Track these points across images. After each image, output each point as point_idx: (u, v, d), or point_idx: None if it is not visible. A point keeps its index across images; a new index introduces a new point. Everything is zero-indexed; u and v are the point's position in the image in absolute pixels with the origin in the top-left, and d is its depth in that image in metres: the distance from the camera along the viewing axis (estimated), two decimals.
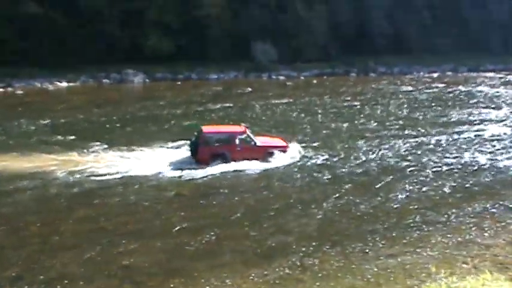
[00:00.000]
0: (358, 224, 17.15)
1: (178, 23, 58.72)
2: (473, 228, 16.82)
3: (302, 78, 57.02)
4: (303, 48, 61.54)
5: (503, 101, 42.77)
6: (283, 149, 24.74)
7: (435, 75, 62.31)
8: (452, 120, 34.95)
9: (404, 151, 26.69)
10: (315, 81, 54.65)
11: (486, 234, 16.31)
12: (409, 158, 25.56)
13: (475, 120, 34.65)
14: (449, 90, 49.56)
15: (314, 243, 15.57)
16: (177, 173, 22.49)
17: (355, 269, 13.90)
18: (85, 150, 25.35)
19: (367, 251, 15.05)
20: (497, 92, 48.45)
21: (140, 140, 27.20)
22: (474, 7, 73.82)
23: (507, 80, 58.18)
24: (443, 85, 53.15)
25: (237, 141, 23.92)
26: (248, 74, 56.98)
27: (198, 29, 58.74)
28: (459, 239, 15.86)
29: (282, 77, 56.65)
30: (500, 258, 14.24)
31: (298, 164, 24.27)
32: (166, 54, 56.14)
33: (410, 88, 50.86)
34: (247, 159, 23.49)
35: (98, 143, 26.48)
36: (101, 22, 55.51)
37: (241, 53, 57.80)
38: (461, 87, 51.25)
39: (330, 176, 22.66)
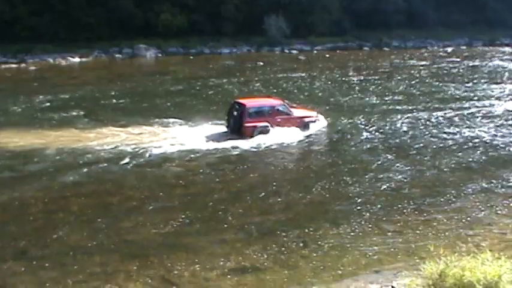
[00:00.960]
0: (358, 203, 16.75)
1: None
2: (475, 207, 16.28)
3: (315, 52, 56.52)
4: (316, 23, 60.96)
5: None
6: (315, 120, 25.19)
7: (449, 49, 61.46)
8: (461, 95, 34.14)
9: (408, 126, 25.98)
10: (327, 55, 54.11)
11: (488, 212, 15.81)
12: (413, 133, 24.97)
13: (486, 96, 33.92)
14: (463, 64, 48.75)
15: (315, 221, 15.29)
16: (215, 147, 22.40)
17: (356, 247, 13.61)
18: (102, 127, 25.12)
19: (369, 229, 14.78)
20: (509, 65, 47.61)
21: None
22: None
23: None
24: (457, 59, 52.43)
25: (277, 113, 24.14)
26: (260, 48, 56.56)
27: (211, 4, 58.33)
28: (460, 218, 15.40)
29: (294, 51, 56.15)
30: (502, 237, 13.97)
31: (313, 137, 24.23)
32: (179, 29, 55.98)
33: (423, 62, 50.12)
34: (286, 129, 23.84)
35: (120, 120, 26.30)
36: None
37: (254, 28, 57.33)
38: (475, 62, 50.50)
39: (333, 154, 22.41)
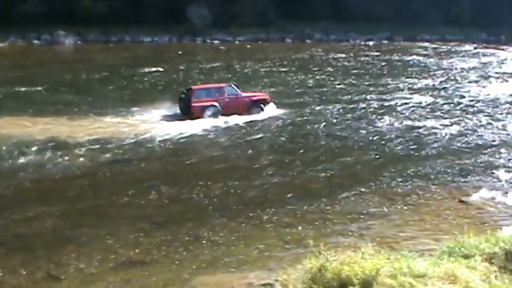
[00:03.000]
0: (256, 197, 16.63)
1: None
2: (360, 201, 16.50)
3: (236, 42, 56.45)
4: (240, 13, 60.69)
5: (430, 71, 42.98)
6: (266, 100, 26.51)
7: (371, 43, 62.39)
8: (374, 88, 34.75)
9: (310, 120, 26.42)
10: (248, 46, 54.22)
11: (378, 209, 16.03)
12: (331, 126, 25.30)
13: (399, 88, 34.72)
14: (382, 58, 49.58)
15: (210, 215, 15.13)
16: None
17: (248, 242, 13.46)
18: None
19: (261, 224, 14.68)
20: (427, 61, 48.70)
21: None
22: None
23: (440, 50, 58.59)
24: (377, 53, 53.25)
25: (225, 94, 25.61)
26: (182, 37, 56.08)
27: None
28: (345, 212, 15.61)
29: (216, 41, 56.02)
30: (384, 232, 14.17)
31: None
32: (100, 16, 54.65)
33: (342, 55, 50.72)
34: (236, 111, 25.20)
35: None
36: None
37: (176, 17, 56.64)
38: (394, 56, 51.39)
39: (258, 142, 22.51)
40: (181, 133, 22.75)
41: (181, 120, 24.69)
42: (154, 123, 24.40)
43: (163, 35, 56.36)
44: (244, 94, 26.44)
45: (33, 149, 20.02)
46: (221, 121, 24.49)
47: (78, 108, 26.27)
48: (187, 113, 25.00)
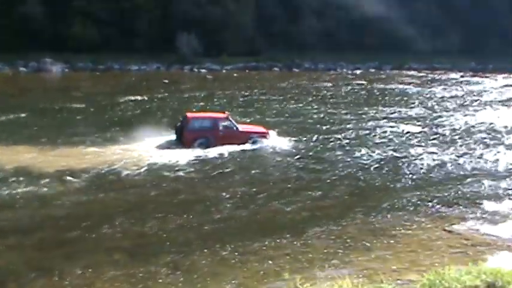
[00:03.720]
0: (235, 227, 16.53)
1: (105, 12, 57.52)
2: (343, 236, 16.05)
3: (224, 71, 56.51)
4: (230, 42, 60.98)
5: (414, 99, 42.99)
6: (264, 135, 26.19)
7: (358, 72, 62.52)
8: (354, 117, 34.63)
9: (307, 147, 26.44)
10: (235, 75, 54.29)
11: (357, 242, 15.68)
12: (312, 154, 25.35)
13: (382, 118, 34.67)
14: (368, 87, 49.70)
15: (189, 245, 14.94)
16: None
17: (224, 274, 13.37)
18: None
19: (240, 255, 14.44)
20: (413, 90, 48.75)
21: None
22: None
23: (427, 78, 58.79)
24: (364, 82, 53.36)
25: (220, 127, 25.45)
26: (171, 66, 56.22)
27: (125, 19, 57.65)
28: (325, 246, 15.30)
29: (203, 70, 56.06)
30: (368, 266, 13.87)
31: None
32: (90, 44, 54.81)
33: (330, 84, 50.61)
34: (230, 144, 24.85)
35: None
36: (23, 5, 53.58)
37: (166, 45, 56.85)
38: (380, 85, 51.46)
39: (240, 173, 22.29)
40: (152, 163, 22.34)
41: (159, 149, 24.55)
42: (125, 152, 24.06)
43: (152, 63, 56.40)
44: (241, 127, 26.22)
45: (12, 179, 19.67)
46: (208, 152, 24.25)
47: (49, 137, 25.84)
48: (180, 140, 25.20)
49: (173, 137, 25.79)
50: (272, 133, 27.15)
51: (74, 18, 55.93)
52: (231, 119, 26.18)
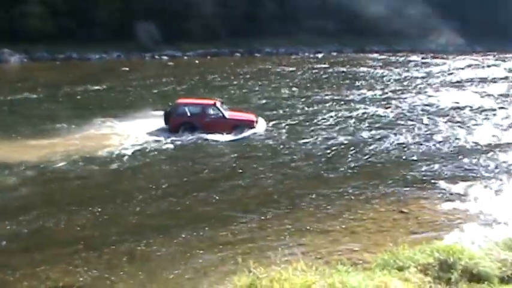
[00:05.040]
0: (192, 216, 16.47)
1: (63, 2, 56.29)
2: (298, 220, 16.23)
3: (185, 58, 56.02)
4: (190, 29, 60.16)
5: (378, 82, 43.32)
6: (251, 123, 26.01)
7: (320, 55, 62.56)
8: (306, 100, 34.69)
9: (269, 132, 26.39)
10: (197, 61, 53.76)
11: (312, 225, 15.80)
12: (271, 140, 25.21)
13: (344, 100, 34.86)
14: (329, 70, 49.64)
15: (147, 234, 14.89)
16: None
17: (183, 261, 13.50)
18: None
19: (198, 242, 14.56)
20: (374, 72, 48.90)
21: None
22: None
23: (388, 61, 59.09)
24: (325, 65, 53.36)
25: (207, 114, 25.70)
26: (130, 54, 55.32)
27: (84, 8, 56.48)
28: (277, 230, 15.44)
29: (165, 57, 55.42)
30: (322, 249, 14.09)
31: None
32: (49, 33, 53.55)
33: (292, 68, 50.52)
34: (216, 130, 24.98)
35: None
36: None
37: (126, 34, 55.87)
38: (341, 68, 51.59)
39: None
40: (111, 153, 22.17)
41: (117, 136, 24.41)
42: (81, 142, 23.66)
43: (112, 52, 55.50)
44: (230, 114, 26.22)
45: None
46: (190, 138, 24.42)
47: (14, 129, 25.33)
48: (168, 125, 25.44)
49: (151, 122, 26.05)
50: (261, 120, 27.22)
51: (31, 9, 54.51)
52: (219, 106, 26.19)
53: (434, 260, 9.55)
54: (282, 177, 20.14)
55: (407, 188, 19.03)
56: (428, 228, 15.78)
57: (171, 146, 23.71)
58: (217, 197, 17.85)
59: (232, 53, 60.45)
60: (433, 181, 19.80)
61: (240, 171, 20.75)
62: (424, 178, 20.18)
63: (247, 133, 25.48)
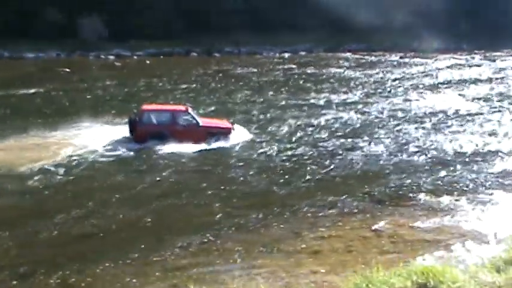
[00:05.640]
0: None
1: None
2: (257, 240, 16.06)
3: (135, 57, 55.52)
4: (142, 25, 59.46)
5: (346, 85, 43.33)
6: (227, 131, 25.80)
7: (286, 55, 62.64)
8: (277, 104, 34.79)
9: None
10: (148, 62, 53.41)
11: (274, 245, 15.57)
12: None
13: (307, 104, 34.89)
14: (295, 72, 49.51)
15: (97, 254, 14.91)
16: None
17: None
18: None
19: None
20: (344, 73, 49.04)
21: None
22: None
23: (363, 61, 59.21)
24: (293, 66, 53.22)
25: (178, 122, 25.28)
26: (72, 52, 54.50)
27: (17, 1, 55.59)
28: (235, 250, 15.22)
29: (111, 57, 54.79)
30: (285, 273, 13.72)
31: None
32: None
33: (253, 69, 50.41)
34: (189, 140, 24.43)
35: None
36: None
37: (67, 29, 55.14)
38: (308, 69, 51.33)
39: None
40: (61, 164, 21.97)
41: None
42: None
43: (51, 50, 54.51)
44: (203, 121, 25.94)
45: None
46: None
47: None
48: (133, 134, 24.77)
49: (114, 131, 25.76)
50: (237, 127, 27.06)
51: None
52: (191, 112, 26.04)
53: (412, 283, 9.38)
54: (229, 194, 19.86)
55: (379, 205, 18.91)
56: (405, 248, 15.66)
57: (104, 159, 23.33)
58: (149, 219, 17.54)
59: (188, 52, 60.16)
60: (408, 195, 19.77)
61: (179, 186, 20.51)
62: (400, 193, 20.09)
63: (224, 141, 25.35)
